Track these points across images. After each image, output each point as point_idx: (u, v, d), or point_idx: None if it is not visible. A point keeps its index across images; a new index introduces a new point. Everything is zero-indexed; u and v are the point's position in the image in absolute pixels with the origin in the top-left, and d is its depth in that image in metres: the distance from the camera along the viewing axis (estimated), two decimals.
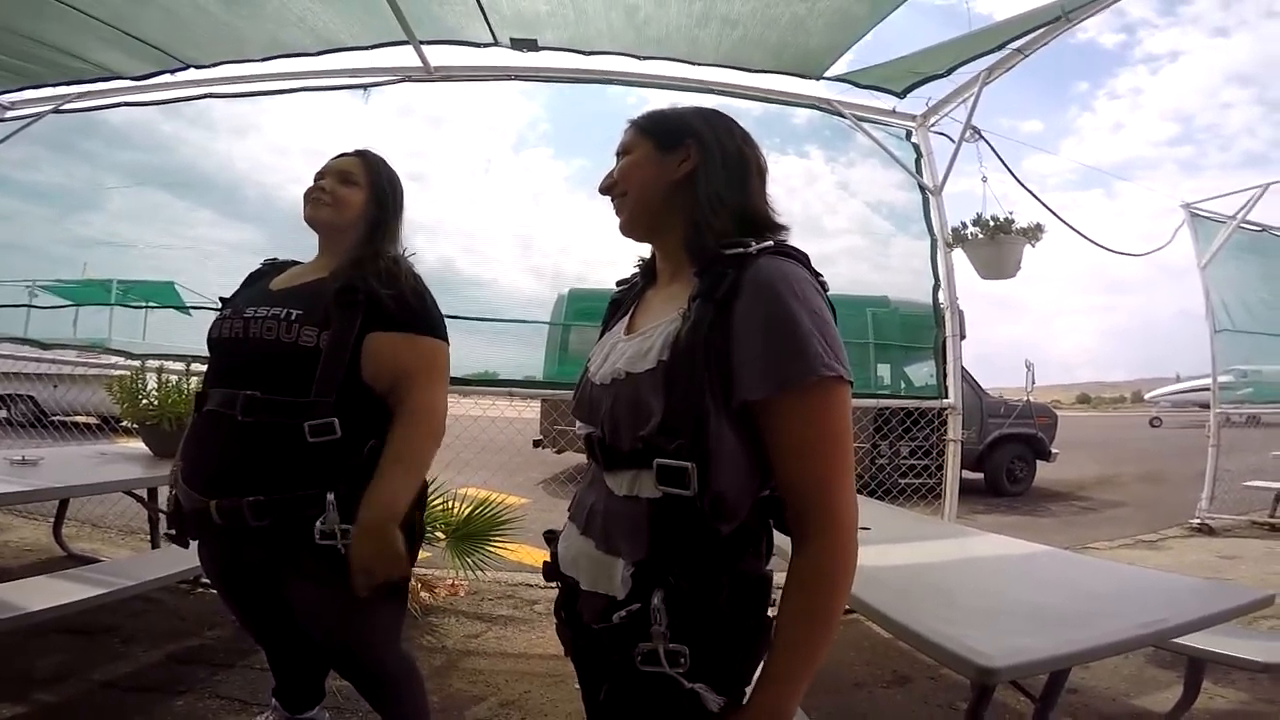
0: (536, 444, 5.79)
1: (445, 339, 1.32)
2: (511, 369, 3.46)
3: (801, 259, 0.81)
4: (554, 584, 0.94)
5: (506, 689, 2.20)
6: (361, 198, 1.35)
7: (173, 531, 1.26)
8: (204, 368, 3.31)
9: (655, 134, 0.91)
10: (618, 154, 0.95)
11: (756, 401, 0.73)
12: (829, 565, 0.74)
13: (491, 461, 3.37)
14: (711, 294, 0.76)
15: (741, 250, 0.78)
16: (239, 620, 1.43)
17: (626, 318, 0.96)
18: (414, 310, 1.26)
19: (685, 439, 0.73)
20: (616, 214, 0.94)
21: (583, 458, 0.93)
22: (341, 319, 1.19)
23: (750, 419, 0.75)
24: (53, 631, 2.20)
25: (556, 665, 2.38)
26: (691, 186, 0.87)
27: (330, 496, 1.14)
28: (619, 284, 1.05)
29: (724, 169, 0.87)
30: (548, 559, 0.95)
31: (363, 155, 1.41)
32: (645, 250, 0.99)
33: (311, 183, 1.36)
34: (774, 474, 0.77)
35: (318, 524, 1.14)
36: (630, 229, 0.94)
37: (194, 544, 1.31)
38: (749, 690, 0.75)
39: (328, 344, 1.18)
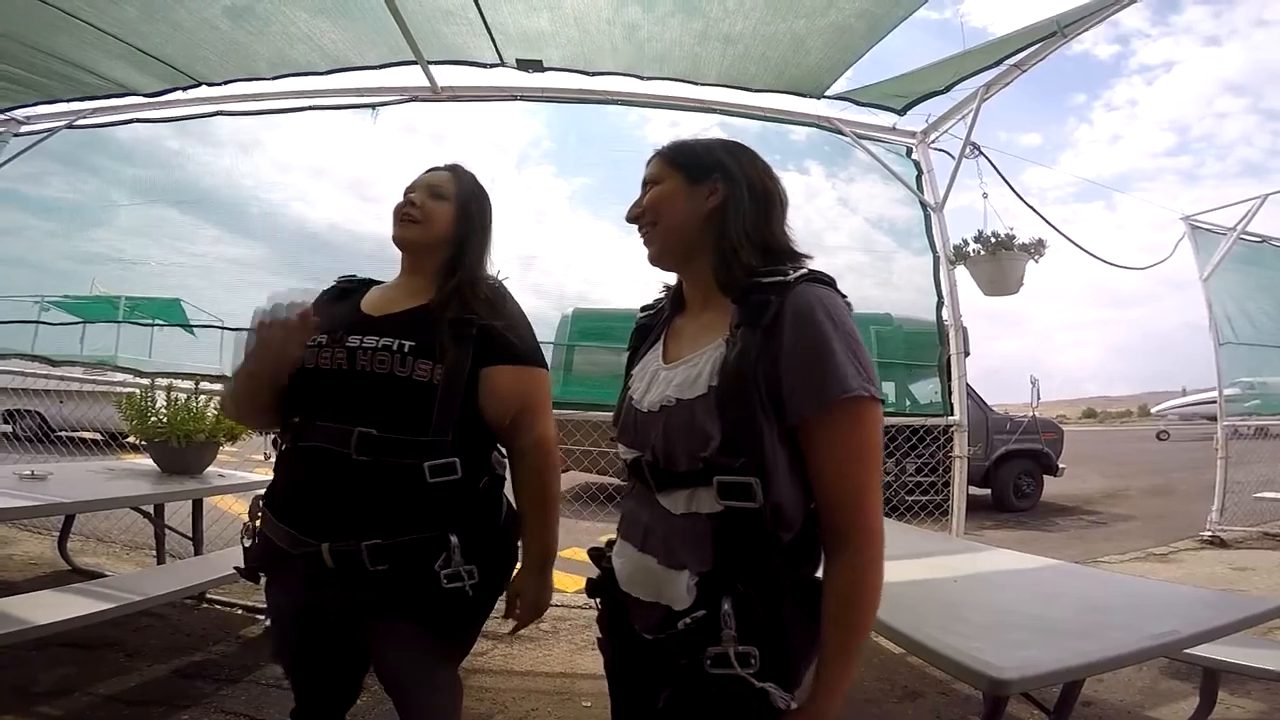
0: None
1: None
2: None
3: (832, 284, 0.86)
4: (595, 599, 0.99)
5: (514, 706, 2.18)
6: (449, 213, 1.27)
7: (255, 567, 1.21)
8: (215, 386, 3.29)
9: (684, 167, 0.94)
10: (644, 183, 0.97)
11: (803, 420, 0.78)
12: (862, 574, 0.78)
13: None
14: (756, 321, 0.81)
15: (780, 279, 0.83)
16: (288, 659, 1.29)
17: (660, 345, 0.99)
18: (528, 342, 1.25)
19: (747, 456, 0.77)
20: (645, 244, 0.97)
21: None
22: (456, 352, 1.15)
23: (798, 436, 0.80)
24: (57, 645, 2.19)
25: (563, 683, 2.37)
26: (720, 219, 0.91)
27: (454, 539, 1.10)
28: (643, 309, 1.08)
29: (750, 202, 0.91)
30: (592, 577, 1.00)
31: (454, 170, 1.33)
32: (652, 275, 1.02)
33: (401, 198, 1.28)
34: (813, 487, 0.81)
35: (440, 567, 1.09)
36: (660, 259, 0.97)
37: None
38: (797, 693, 0.79)
39: (443, 379, 1.13)
